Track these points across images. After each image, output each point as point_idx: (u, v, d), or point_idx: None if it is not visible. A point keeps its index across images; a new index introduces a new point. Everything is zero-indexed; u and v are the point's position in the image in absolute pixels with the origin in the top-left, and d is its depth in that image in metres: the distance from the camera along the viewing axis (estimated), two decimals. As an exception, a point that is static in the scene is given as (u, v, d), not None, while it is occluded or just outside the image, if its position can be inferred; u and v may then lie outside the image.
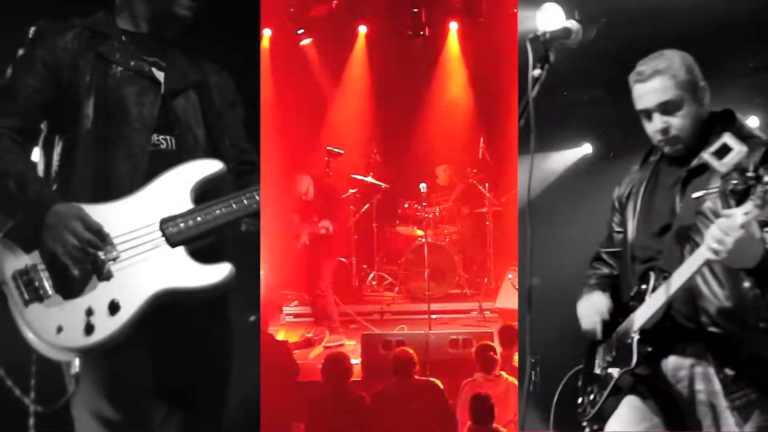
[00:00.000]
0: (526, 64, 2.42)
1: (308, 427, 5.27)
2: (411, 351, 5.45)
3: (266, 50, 9.01)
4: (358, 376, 6.00)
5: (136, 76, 2.54)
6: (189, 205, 2.50)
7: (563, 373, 4.88)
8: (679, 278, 2.43)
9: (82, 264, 2.33)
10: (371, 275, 8.89)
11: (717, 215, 2.32)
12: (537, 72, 2.40)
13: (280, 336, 7.34)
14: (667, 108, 2.58)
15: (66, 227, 2.31)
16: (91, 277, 2.34)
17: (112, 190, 2.45)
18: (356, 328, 7.56)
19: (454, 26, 9.50)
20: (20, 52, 2.52)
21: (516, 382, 5.44)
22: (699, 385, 2.53)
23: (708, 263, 2.34)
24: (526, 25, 5.20)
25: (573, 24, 2.51)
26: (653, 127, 2.63)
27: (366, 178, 8.69)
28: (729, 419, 2.46)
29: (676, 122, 2.58)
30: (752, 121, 5.81)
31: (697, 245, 2.39)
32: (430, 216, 8.44)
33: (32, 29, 2.53)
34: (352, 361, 5.68)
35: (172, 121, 2.58)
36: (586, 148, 7.18)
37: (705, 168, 2.47)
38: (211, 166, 2.57)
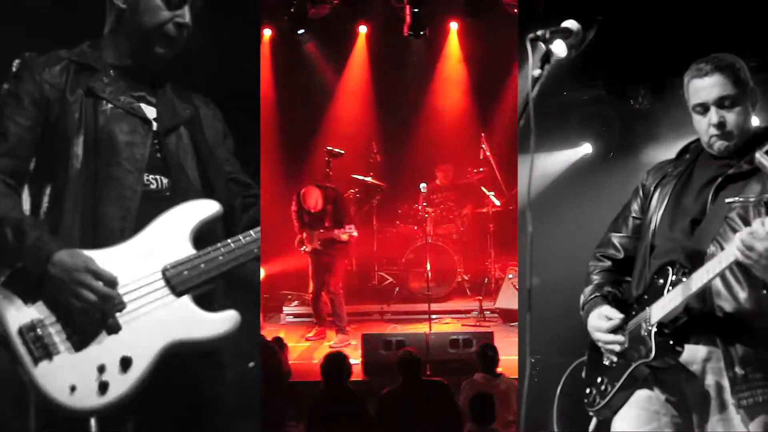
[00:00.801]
0: (526, 64, 2.42)
1: (308, 427, 5.27)
2: (414, 351, 5.45)
3: (266, 50, 9.01)
4: (358, 376, 6.01)
5: (127, 114, 2.46)
6: (189, 250, 2.42)
7: (563, 373, 4.89)
8: (702, 277, 2.44)
9: (93, 317, 2.24)
10: (371, 275, 8.89)
11: (747, 223, 2.36)
12: (537, 72, 2.40)
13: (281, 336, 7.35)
14: (724, 103, 2.63)
15: (76, 280, 2.21)
16: (100, 329, 2.25)
17: (101, 234, 2.36)
18: (356, 328, 7.57)
19: (454, 26, 9.51)
20: (5, 86, 2.40)
21: (516, 382, 5.44)
22: (710, 380, 2.53)
23: (732, 265, 2.36)
24: (526, 25, 5.20)
25: (573, 24, 2.51)
26: (709, 120, 2.64)
27: (366, 178, 8.70)
28: (735, 416, 2.47)
29: (732, 118, 2.63)
30: (752, 121, 5.80)
31: (721, 248, 2.43)
32: (430, 216, 8.45)
33: (16, 62, 2.42)
34: (352, 361, 5.68)
35: (164, 161, 2.49)
36: (586, 148, 7.17)
37: (742, 176, 2.53)
38: (208, 208, 2.49)
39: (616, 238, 2.88)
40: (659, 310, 2.56)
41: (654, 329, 2.54)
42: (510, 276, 8.10)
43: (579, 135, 7.12)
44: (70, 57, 2.47)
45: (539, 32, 2.46)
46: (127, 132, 2.44)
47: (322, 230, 7.29)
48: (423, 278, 7.79)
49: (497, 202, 8.63)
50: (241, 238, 2.46)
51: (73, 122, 2.37)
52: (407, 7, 8.64)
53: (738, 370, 2.46)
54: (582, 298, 2.84)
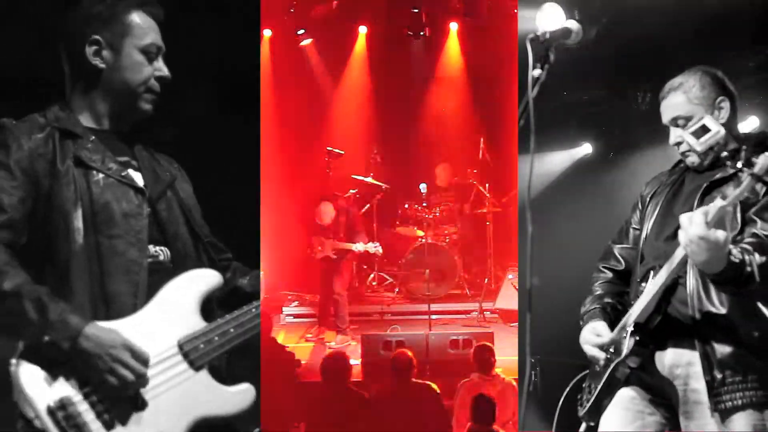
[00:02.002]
0: (526, 64, 2.42)
1: (308, 427, 5.27)
2: (410, 354, 5.45)
3: (266, 50, 9.01)
4: (358, 377, 6.01)
5: (120, 183, 2.35)
6: (200, 322, 2.37)
7: (563, 373, 4.88)
8: (662, 275, 2.50)
9: (128, 395, 2.17)
10: (371, 276, 8.89)
11: (722, 225, 2.37)
12: (537, 72, 2.40)
13: (280, 338, 7.36)
14: (678, 123, 2.71)
15: (114, 357, 2.13)
16: (133, 407, 2.18)
17: (113, 309, 2.27)
18: (356, 328, 7.58)
19: (454, 26, 9.51)
20: None
21: (513, 383, 5.44)
22: (694, 384, 2.55)
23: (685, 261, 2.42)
24: (526, 25, 5.20)
25: (573, 24, 2.52)
26: (670, 140, 2.74)
27: (366, 179, 8.70)
28: (712, 420, 2.49)
29: (688, 136, 2.67)
30: (752, 121, 5.81)
31: None
32: (431, 216, 8.45)
33: None
34: (352, 362, 5.68)
35: (161, 230, 2.42)
36: (586, 148, 7.18)
37: (726, 180, 2.56)
38: (212, 278, 2.44)
39: (617, 250, 2.93)
40: (636, 310, 2.60)
41: (630, 329, 2.58)
42: (510, 276, 8.10)
43: (579, 135, 7.13)
44: (50, 123, 2.32)
45: (539, 32, 2.47)
46: (122, 203, 2.33)
47: (335, 240, 7.40)
48: (423, 278, 7.79)
49: (496, 202, 8.64)
50: (245, 308, 2.42)
51: (69, 195, 2.25)
52: (407, 7, 8.64)
53: (716, 373, 2.49)
54: (582, 309, 2.87)
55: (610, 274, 2.90)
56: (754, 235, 2.41)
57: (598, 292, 2.87)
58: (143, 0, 2.44)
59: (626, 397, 2.69)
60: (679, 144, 2.71)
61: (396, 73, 9.53)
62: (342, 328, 7.43)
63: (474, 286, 8.60)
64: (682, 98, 2.69)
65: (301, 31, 9.03)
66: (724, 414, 2.47)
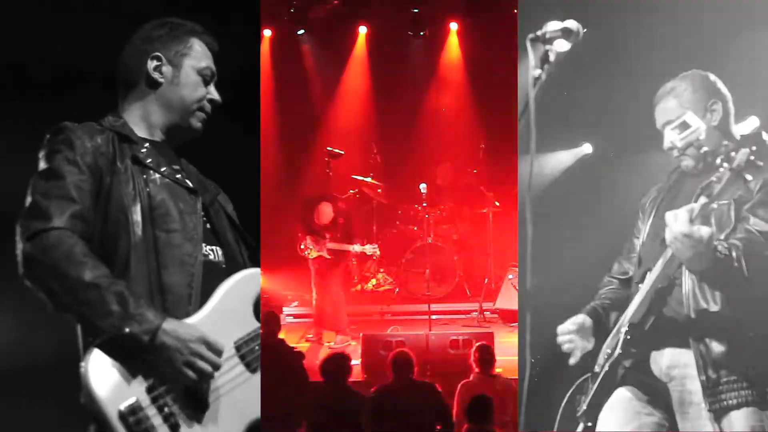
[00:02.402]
0: (526, 64, 2.42)
1: (308, 427, 5.27)
2: (409, 353, 5.45)
3: (266, 50, 9.01)
4: (358, 377, 6.01)
5: (175, 184, 2.45)
6: (254, 323, 2.40)
7: (562, 373, 4.88)
8: (652, 275, 2.53)
9: (206, 389, 2.21)
10: (371, 276, 8.89)
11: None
12: (537, 72, 2.40)
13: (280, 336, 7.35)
14: (669, 128, 2.74)
15: (193, 351, 2.18)
16: (196, 409, 2.21)
17: (169, 300, 2.32)
18: (356, 328, 7.58)
19: (454, 26, 9.51)
20: (53, 158, 2.30)
21: (513, 383, 5.44)
22: (690, 385, 2.56)
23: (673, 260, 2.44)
24: (526, 25, 5.19)
25: (573, 24, 2.52)
26: (664, 145, 2.76)
27: (366, 179, 8.69)
28: (706, 419, 2.51)
29: (670, 132, 2.71)
30: (752, 122, 5.80)
31: None
32: (430, 216, 8.44)
33: (59, 134, 2.34)
34: (352, 362, 5.68)
35: (214, 231, 2.51)
36: (586, 148, 7.17)
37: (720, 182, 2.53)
38: (260, 278, 2.48)
39: (623, 261, 2.95)
40: (630, 310, 2.63)
41: (625, 328, 2.60)
42: (510, 276, 8.10)
43: (579, 135, 7.12)
44: (107, 128, 2.44)
45: (539, 32, 2.46)
46: (178, 201, 2.42)
47: (330, 239, 7.38)
48: (423, 278, 7.79)
49: (496, 203, 8.64)
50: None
51: (128, 191, 2.35)
52: (407, 7, 8.64)
53: (711, 373, 2.49)
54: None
55: (616, 281, 2.93)
56: (746, 230, 2.42)
57: (600, 294, 2.91)
58: (201, 30, 2.58)
59: (623, 397, 2.70)
60: (672, 148, 2.73)
61: (396, 73, 9.53)
62: (342, 328, 7.43)
63: (474, 286, 8.59)
64: (674, 102, 2.71)
65: (301, 31, 9.03)
66: (718, 413, 2.47)
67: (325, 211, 7.54)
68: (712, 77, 2.76)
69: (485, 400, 4.87)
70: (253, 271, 2.48)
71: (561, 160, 7.15)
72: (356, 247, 7.36)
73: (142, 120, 2.52)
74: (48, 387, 3.46)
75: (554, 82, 2.44)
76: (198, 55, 2.54)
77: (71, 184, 2.27)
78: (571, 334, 2.71)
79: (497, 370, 5.59)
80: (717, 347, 2.50)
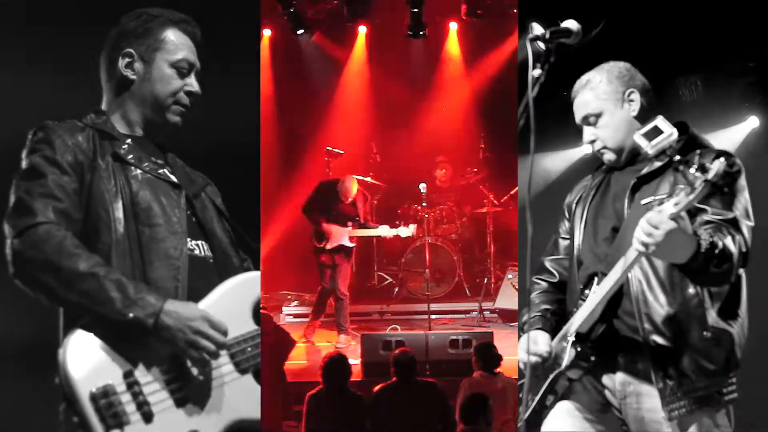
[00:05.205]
0: (526, 64, 2.41)
1: (308, 427, 5.27)
2: (411, 352, 5.45)
3: (266, 50, 9.01)
4: (358, 377, 6.01)
5: (157, 179, 2.44)
6: (251, 325, 2.39)
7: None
8: (609, 279, 2.41)
9: (209, 369, 2.23)
10: (371, 275, 8.89)
11: None
12: (537, 72, 2.40)
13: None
14: (589, 121, 2.68)
15: (194, 329, 2.18)
16: (208, 389, 2.24)
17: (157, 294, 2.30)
18: (356, 328, 7.58)
19: (454, 26, 9.51)
20: (33, 158, 2.30)
21: (514, 381, 5.43)
22: (646, 403, 2.49)
23: (640, 261, 2.35)
24: (526, 24, 5.19)
25: (573, 24, 2.51)
26: (583, 139, 2.71)
27: (366, 178, 8.69)
28: (666, 428, 2.44)
29: (601, 133, 2.66)
30: (752, 122, 5.80)
31: None
32: (430, 216, 8.44)
33: (40, 133, 2.34)
34: (352, 362, 5.68)
35: (199, 225, 2.50)
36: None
37: (654, 175, 2.52)
38: (259, 281, 2.47)
39: (548, 263, 2.87)
40: (578, 318, 2.53)
41: (572, 339, 2.52)
42: (510, 276, 8.10)
43: (579, 135, 7.11)
44: (88, 125, 2.43)
45: (539, 32, 2.46)
46: (161, 196, 2.41)
47: (354, 228, 7.21)
48: (422, 278, 7.79)
49: (495, 202, 8.64)
50: None
51: (110, 187, 2.34)
52: (407, 7, 8.63)
53: (669, 381, 2.42)
54: (521, 319, 2.83)
55: (545, 284, 2.84)
56: (707, 222, 2.33)
57: (536, 302, 2.80)
58: (180, 18, 2.53)
59: (566, 409, 2.62)
60: (592, 142, 2.67)
61: (396, 73, 9.53)
62: (344, 328, 7.42)
63: (474, 286, 8.60)
64: (590, 95, 2.66)
65: (301, 31, 9.03)
66: (680, 420, 2.41)
67: (350, 187, 7.32)
68: (627, 66, 2.69)
69: (478, 399, 4.83)
70: (254, 275, 2.47)
71: (561, 160, 7.15)
72: (387, 230, 7.16)
73: (121, 117, 2.51)
74: (25, 370, 3.42)
75: (554, 81, 2.44)
76: (172, 47, 2.48)
77: (53, 183, 2.27)
78: (535, 355, 2.65)
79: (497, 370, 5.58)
80: (672, 353, 2.42)
